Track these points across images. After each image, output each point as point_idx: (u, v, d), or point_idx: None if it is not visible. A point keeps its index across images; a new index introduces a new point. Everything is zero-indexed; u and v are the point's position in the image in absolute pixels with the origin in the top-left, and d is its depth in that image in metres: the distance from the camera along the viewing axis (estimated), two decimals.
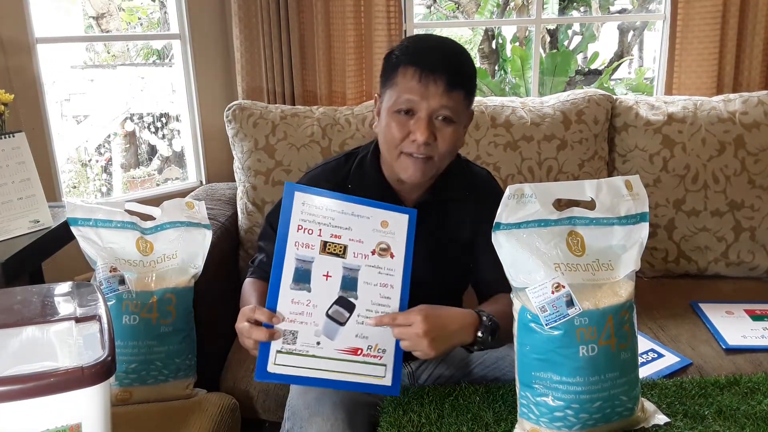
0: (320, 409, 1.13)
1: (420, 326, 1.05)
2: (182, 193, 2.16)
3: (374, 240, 1.10)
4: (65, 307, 1.01)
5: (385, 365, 1.08)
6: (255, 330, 1.05)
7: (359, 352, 1.07)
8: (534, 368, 0.97)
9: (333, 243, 1.08)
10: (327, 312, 1.06)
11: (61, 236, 1.56)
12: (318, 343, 1.06)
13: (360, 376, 1.07)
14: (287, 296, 1.06)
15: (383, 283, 1.09)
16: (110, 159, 4.82)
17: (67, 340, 0.95)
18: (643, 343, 1.64)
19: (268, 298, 1.06)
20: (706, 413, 1.04)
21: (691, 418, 1.03)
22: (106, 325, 0.93)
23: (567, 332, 0.94)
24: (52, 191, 2.04)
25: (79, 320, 0.97)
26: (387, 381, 1.07)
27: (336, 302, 1.07)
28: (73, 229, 1.40)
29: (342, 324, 1.06)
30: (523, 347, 0.98)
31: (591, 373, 0.94)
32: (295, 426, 1.14)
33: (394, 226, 1.11)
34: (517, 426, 1.01)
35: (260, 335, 1.04)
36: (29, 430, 0.82)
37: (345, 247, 1.09)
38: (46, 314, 0.99)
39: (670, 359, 1.58)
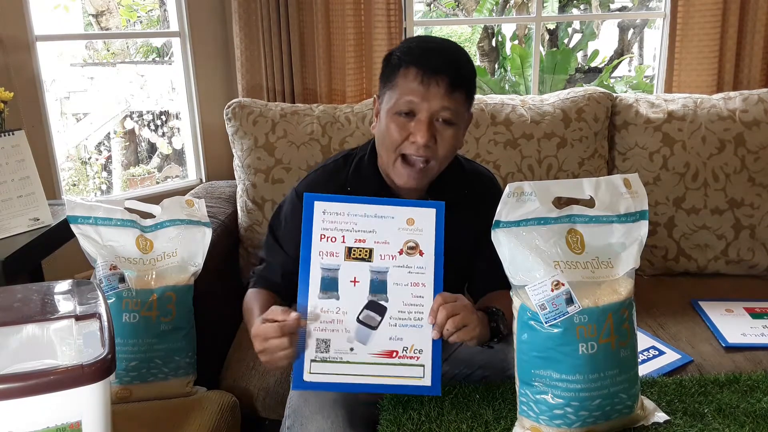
0: (321, 407, 1.14)
1: (467, 300, 1.07)
2: (182, 191, 2.15)
3: (401, 239, 1.09)
4: (65, 305, 1.01)
5: (423, 365, 1.07)
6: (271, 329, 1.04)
7: (395, 354, 1.06)
8: (534, 366, 0.97)
9: (358, 248, 1.08)
10: (358, 317, 1.06)
11: (60, 234, 1.56)
12: (351, 349, 1.06)
13: (398, 379, 1.06)
14: (316, 306, 1.06)
15: (414, 282, 1.08)
16: (110, 157, 4.81)
17: (67, 338, 0.95)
18: (644, 341, 1.64)
19: (297, 310, 1.06)
20: (706, 411, 1.04)
21: (690, 416, 1.03)
22: (106, 323, 0.94)
23: (566, 330, 0.94)
24: (51, 189, 2.04)
25: (79, 318, 0.98)
26: (426, 381, 1.06)
27: (366, 307, 1.07)
28: (72, 227, 1.40)
29: (374, 328, 1.06)
30: (522, 345, 0.98)
31: (590, 370, 0.94)
32: (296, 423, 1.14)
33: (421, 222, 1.10)
34: (516, 424, 1.01)
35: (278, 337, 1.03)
36: (29, 428, 0.82)
37: (371, 251, 1.08)
38: (46, 312, 1.00)
39: (671, 356, 1.58)
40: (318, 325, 1.05)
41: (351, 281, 1.07)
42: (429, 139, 1.16)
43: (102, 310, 0.98)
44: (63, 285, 1.07)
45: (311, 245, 1.07)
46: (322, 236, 1.07)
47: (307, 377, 1.05)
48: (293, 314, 1.04)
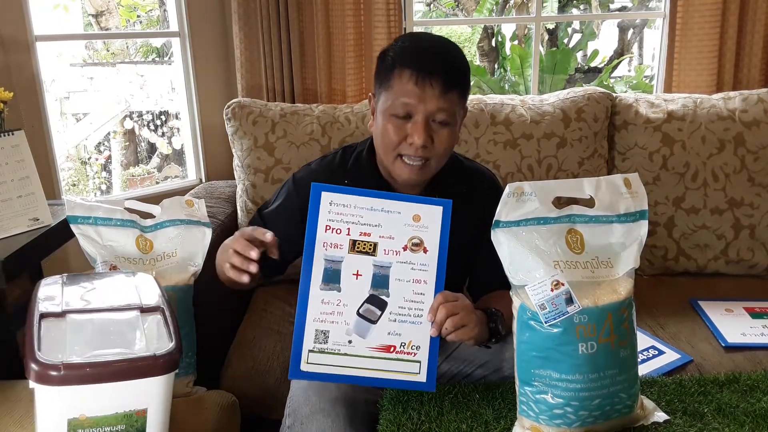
0: (321, 406, 1.14)
1: (467, 300, 1.08)
2: (182, 191, 2.15)
3: (406, 235, 1.09)
4: (130, 296, 1.07)
5: (419, 362, 1.07)
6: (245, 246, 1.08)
7: (392, 349, 1.07)
8: (533, 365, 0.97)
9: (362, 241, 1.08)
10: (358, 311, 1.07)
11: (60, 234, 1.56)
12: (350, 342, 1.06)
13: (394, 373, 1.07)
14: (317, 297, 1.06)
15: (416, 279, 1.08)
16: (110, 157, 4.81)
17: (135, 329, 0.99)
18: (644, 340, 1.64)
19: (299, 301, 1.06)
20: (706, 411, 1.04)
21: (690, 416, 1.03)
22: (170, 317, 0.99)
23: (566, 330, 0.94)
24: (51, 189, 2.04)
25: (144, 311, 1.03)
26: (422, 377, 1.07)
27: (367, 300, 1.07)
28: (72, 227, 1.40)
29: (373, 322, 1.07)
30: (522, 344, 0.98)
31: (590, 370, 0.94)
32: (296, 422, 1.14)
33: (427, 220, 1.09)
34: (516, 423, 1.01)
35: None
36: (100, 413, 0.88)
37: (375, 245, 1.08)
38: (115, 302, 1.05)
39: (671, 356, 1.58)
40: (318, 315, 1.06)
41: (353, 274, 1.07)
42: (426, 140, 1.17)
43: (164, 304, 1.03)
44: (126, 276, 1.15)
45: (316, 235, 1.07)
46: (328, 227, 1.07)
47: (304, 367, 1.06)
48: (268, 233, 1.09)
